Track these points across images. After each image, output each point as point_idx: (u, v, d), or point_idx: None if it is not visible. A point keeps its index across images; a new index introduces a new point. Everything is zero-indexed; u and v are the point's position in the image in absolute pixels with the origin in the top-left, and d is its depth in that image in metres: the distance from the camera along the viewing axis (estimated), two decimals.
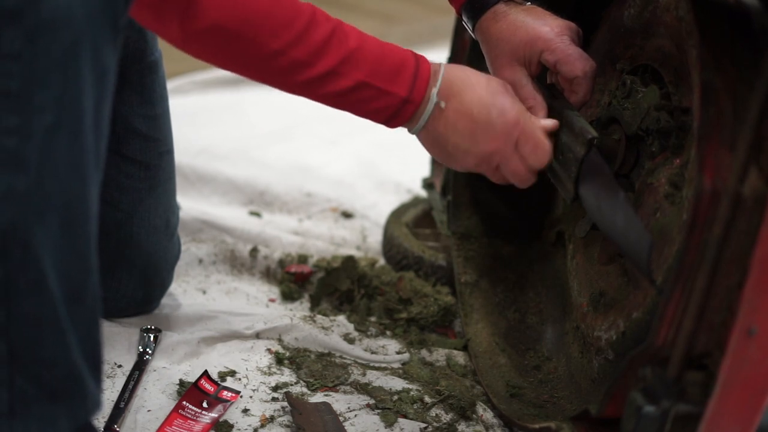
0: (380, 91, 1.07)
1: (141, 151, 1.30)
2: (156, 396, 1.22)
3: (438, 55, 1.69)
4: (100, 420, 1.15)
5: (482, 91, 1.09)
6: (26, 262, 0.84)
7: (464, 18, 1.22)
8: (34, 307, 0.85)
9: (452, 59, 1.58)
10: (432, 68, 1.09)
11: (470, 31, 1.22)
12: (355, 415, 1.22)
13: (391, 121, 1.10)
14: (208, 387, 1.23)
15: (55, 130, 0.82)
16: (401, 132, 1.24)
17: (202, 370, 1.25)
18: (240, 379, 1.27)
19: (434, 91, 1.08)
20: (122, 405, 1.18)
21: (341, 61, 1.04)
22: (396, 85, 1.07)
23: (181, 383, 1.24)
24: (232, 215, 1.69)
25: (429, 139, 1.12)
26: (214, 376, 1.26)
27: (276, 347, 1.34)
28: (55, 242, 0.85)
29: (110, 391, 1.21)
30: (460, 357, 1.37)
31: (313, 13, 1.04)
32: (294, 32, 1.02)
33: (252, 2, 1.01)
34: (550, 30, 1.15)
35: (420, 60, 1.09)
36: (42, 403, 0.88)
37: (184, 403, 1.19)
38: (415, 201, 1.77)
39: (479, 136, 1.10)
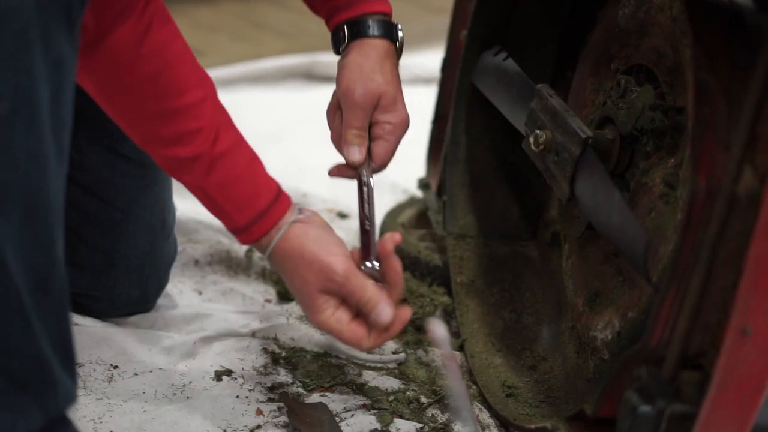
0: (219, 207, 1.08)
1: (136, 149, 1.28)
2: (153, 397, 1.22)
3: (434, 55, 1.69)
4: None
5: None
6: None
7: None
8: None
9: (448, 59, 1.58)
10: (283, 219, 1.09)
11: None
12: (352, 416, 1.22)
13: (231, 233, 1.12)
14: None
15: (10, 121, 0.82)
16: None
17: (199, 370, 1.25)
18: (236, 379, 1.27)
19: (268, 250, 1.10)
20: (367, 227, 1.16)
21: (194, 158, 1.05)
22: (237, 213, 1.08)
23: (181, 384, 1.24)
24: None
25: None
26: (211, 375, 1.26)
27: (272, 347, 1.34)
28: (16, 232, 0.84)
29: (110, 391, 1.21)
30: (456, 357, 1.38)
31: (204, 99, 1.05)
32: (172, 107, 1.03)
33: (153, 54, 1.02)
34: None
35: (278, 203, 1.09)
36: (11, 394, 0.88)
37: None
38: (411, 201, 1.76)
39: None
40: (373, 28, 1.19)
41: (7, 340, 0.87)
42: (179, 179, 1.09)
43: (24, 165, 0.84)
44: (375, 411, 1.24)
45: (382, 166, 1.22)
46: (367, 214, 1.18)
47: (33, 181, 0.85)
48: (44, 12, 0.82)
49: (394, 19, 1.24)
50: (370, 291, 1.08)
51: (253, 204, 1.08)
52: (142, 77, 1.02)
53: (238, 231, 1.10)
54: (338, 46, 1.21)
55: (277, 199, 1.10)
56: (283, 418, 1.20)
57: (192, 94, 1.04)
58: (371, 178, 1.20)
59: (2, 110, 0.82)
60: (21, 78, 0.82)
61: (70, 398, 0.93)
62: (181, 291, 1.46)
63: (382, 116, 1.19)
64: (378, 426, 1.20)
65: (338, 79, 1.20)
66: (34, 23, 0.82)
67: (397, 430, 1.20)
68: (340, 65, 1.20)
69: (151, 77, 1.03)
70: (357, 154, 1.18)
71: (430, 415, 1.24)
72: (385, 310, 1.08)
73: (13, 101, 0.82)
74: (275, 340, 1.35)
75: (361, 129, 1.19)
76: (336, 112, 1.22)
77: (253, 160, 1.10)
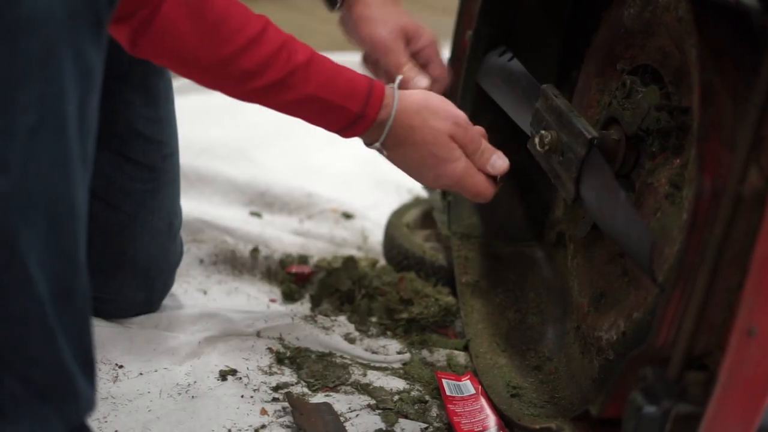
0: (332, 105, 1.11)
1: (144, 153, 1.29)
2: (158, 396, 1.22)
3: None
4: None
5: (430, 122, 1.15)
6: (11, 262, 0.83)
7: None
8: (21, 307, 0.85)
9: (453, 59, 1.58)
10: (387, 91, 1.14)
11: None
12: (356, 416, 1.22)
13: (344, 132, 1.15)
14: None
15: (38, 130, 0.82)
16: None
17: (204, 370, 1.25)
18: (241, 379, 1.27)
19: (391, 117, 1.14)
20: None
21: (289, 73, 1.09)
22: (349, 101, 1.11)
23: (185, 384, 1.24)
24: (233, 216, 1.69)
25: (390, 155, 1.20)
26: (216, 374, 1.26)
27: (277, 346, 1.34)
28: (41, 242, 0.84)
29: (115, 391, 1.21)
30: (460, 357, 1.38)
31: (265, 25, 1.08)
32: (243, 41, 1.06)
33: (204, 8, 1.05)
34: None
35: (374, 81, 1.14)
36: (32, 403, 0.88)
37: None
38: (416, 201, 1.77)
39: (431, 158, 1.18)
40: None
41: (29, 349, 0.87)
42: (283, 102, 1.11)
43: (50, 174, 0.83)
44: (380, 411, 1.24)
45: (447, 82, 1.30)
46: None
47: (58, 190, 0.84)
48: (74, 19, 0.82)
49: None
50: (484, 142, 1.16)
51: (358, 86, 1.12)
52: (205, 29, 1.05)
53: (356, 120, 1.13)
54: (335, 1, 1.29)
55: (367, 76, 1.14)
56: (288, 418, 1.20)
57: (253, 24, 1.08)
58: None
59: (30, 120, 0.81)
60: (49, 87, 0.81)
61: (90, 405, 0.93)
62: (185, 291, 1.46)
63: (415, 46, 1.27)
64: (383, 426, 1.20)
65: (360, 36, 1.27)
66: (64, 31, 0.81)
67: (402, 430, 1.20)
68: (354, 21, 1.27)
69: (214, 25, 1.06)
70: (424, 81, 1.26)
71: (434, 415, 1.24)
72: (498, 160, 1.17)
73: (40, 111, 0.81)
74: (280, 339, 1.35)
75: (410, 61, 1.27)
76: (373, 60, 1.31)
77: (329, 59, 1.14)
